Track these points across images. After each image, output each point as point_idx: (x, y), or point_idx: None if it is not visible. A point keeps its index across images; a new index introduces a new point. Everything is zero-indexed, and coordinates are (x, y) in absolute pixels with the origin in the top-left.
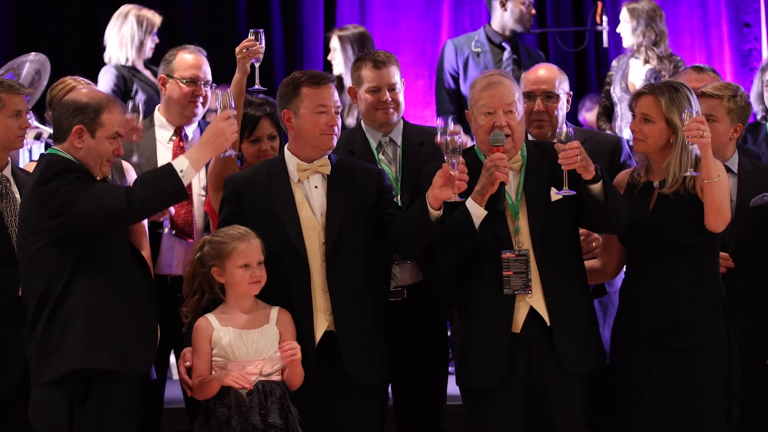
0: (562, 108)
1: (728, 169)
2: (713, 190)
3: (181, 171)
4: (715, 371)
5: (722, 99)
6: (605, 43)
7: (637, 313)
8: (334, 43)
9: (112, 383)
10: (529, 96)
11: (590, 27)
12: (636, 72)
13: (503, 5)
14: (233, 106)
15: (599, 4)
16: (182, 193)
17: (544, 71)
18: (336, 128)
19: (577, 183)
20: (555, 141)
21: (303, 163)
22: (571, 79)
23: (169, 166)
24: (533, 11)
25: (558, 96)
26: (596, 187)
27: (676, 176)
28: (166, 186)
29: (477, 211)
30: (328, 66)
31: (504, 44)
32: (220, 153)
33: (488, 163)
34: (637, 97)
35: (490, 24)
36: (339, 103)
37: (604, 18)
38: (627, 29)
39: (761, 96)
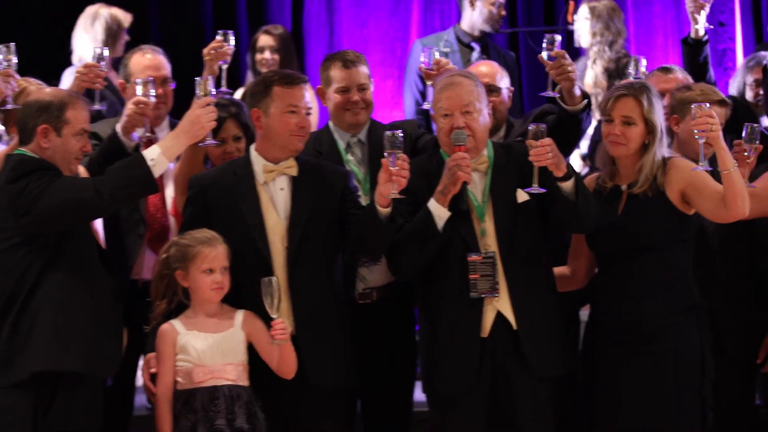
0: (505, 102)
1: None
2: (733, 178)
3: (152, 160)
4: (686, 376)
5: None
6: (577, 43)
7: (608, 319)
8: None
9: (79, 386)
10: None
11: (562, 26)
12: (589, 74)
13: (472, 4)
14: (213, 93)
15: (571, 3)
16: (151, 183)
17: (485, 67)
18: (305, 130)
19: (547, 181)
20: (527, 138)
21: (269, 164)
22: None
23: (138, 155)
24: (503, 12)
25: (500, 89)
26: (567, 185)
27: (649, 176)
28: (133, 174)
29: (439, 212)
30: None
31: (473, 44)
32: (197, 141)
33: (450, 162)
34: (615, 100)
35: (459, 24)
36: (310, 105)
37: (575, 17)
38: (585, 28)
39: (742, 95)
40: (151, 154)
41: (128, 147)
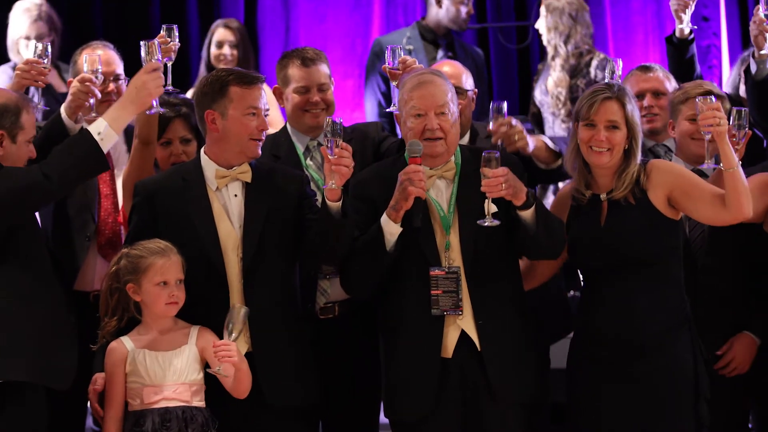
0: (469, 106)
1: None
2: (737, 177)
3: (99, 134)
4: (680, 394)
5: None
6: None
7: (595, 335)
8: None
9: (27, 397)
10: None
11: (534, 22)
12: (552, 73)
13: (438, 2)
14: (159, 58)
15: None
16: (100, 159)
17: (448, 67)
18: (264, 134)
19: (504, 209)
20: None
21: (222, 169)
22: (514, 78)
23: (84, 131)
24: (471, 11)
25: (465, 91)
26: (527, 214)
27: (626, 182)
28: (80, 151)
29: (390, 228)
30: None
31: (439, 41)
32: (145, 109)
33: (402, 176)
34: (599, 103)
35: (424, 19)
36: (268, 106)
37: None
38: (542, 24)
39: (737, 90)
40: (97, 127)
41: (72, 130)
